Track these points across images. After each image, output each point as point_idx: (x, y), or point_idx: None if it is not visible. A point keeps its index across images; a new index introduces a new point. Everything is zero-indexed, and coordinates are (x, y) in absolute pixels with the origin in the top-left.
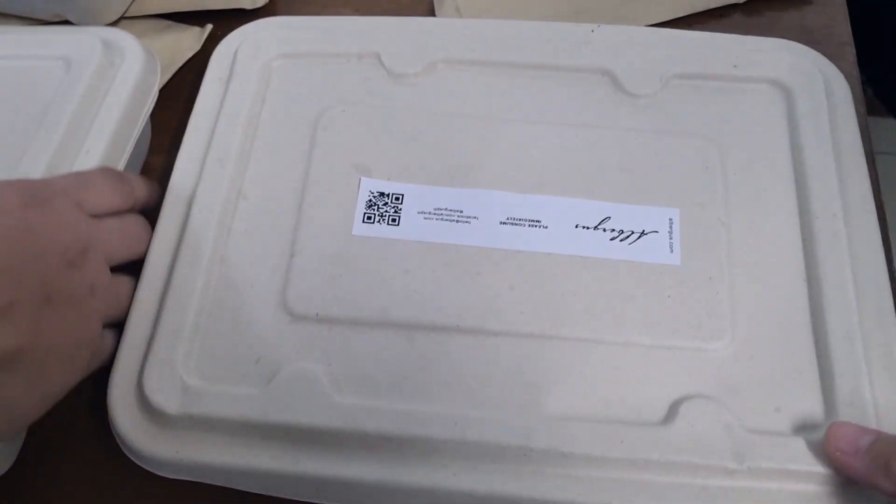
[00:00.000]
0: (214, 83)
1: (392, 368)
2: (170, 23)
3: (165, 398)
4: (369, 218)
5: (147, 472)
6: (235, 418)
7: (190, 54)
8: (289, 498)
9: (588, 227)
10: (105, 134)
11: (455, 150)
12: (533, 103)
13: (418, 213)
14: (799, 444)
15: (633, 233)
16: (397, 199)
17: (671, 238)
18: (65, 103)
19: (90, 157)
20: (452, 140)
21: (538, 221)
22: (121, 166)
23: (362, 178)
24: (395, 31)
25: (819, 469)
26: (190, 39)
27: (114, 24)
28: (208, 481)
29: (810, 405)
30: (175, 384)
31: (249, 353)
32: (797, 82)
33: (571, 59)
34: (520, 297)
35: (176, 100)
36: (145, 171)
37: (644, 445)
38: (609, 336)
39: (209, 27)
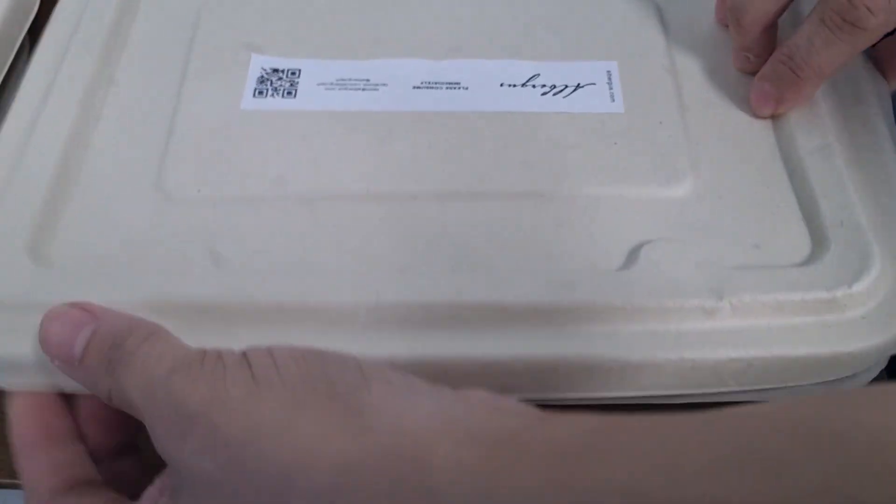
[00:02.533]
0: None
1: (290, 242)
2: None
3: None
4: (261, 93)
5: None
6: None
7: None
8: None
9: (515, 85)
10: None
11: (360, 24)
12: None
13: (318, 84)
14: (789, 274)
15: (566, 86)
16: (293, 73)
17: (611, 88)
18: None
19: None
20: (357, 15)
21: (457, 83)
22: None
23: (253, 55)
24: None
25: (819, 295)
26: None
27: None
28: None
29: (795, 235)
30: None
31: (114, 240)
32: None
33: None
34: (440, 156)
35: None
36: None
37: (600, 291)
38: (548, 188)
39: None
